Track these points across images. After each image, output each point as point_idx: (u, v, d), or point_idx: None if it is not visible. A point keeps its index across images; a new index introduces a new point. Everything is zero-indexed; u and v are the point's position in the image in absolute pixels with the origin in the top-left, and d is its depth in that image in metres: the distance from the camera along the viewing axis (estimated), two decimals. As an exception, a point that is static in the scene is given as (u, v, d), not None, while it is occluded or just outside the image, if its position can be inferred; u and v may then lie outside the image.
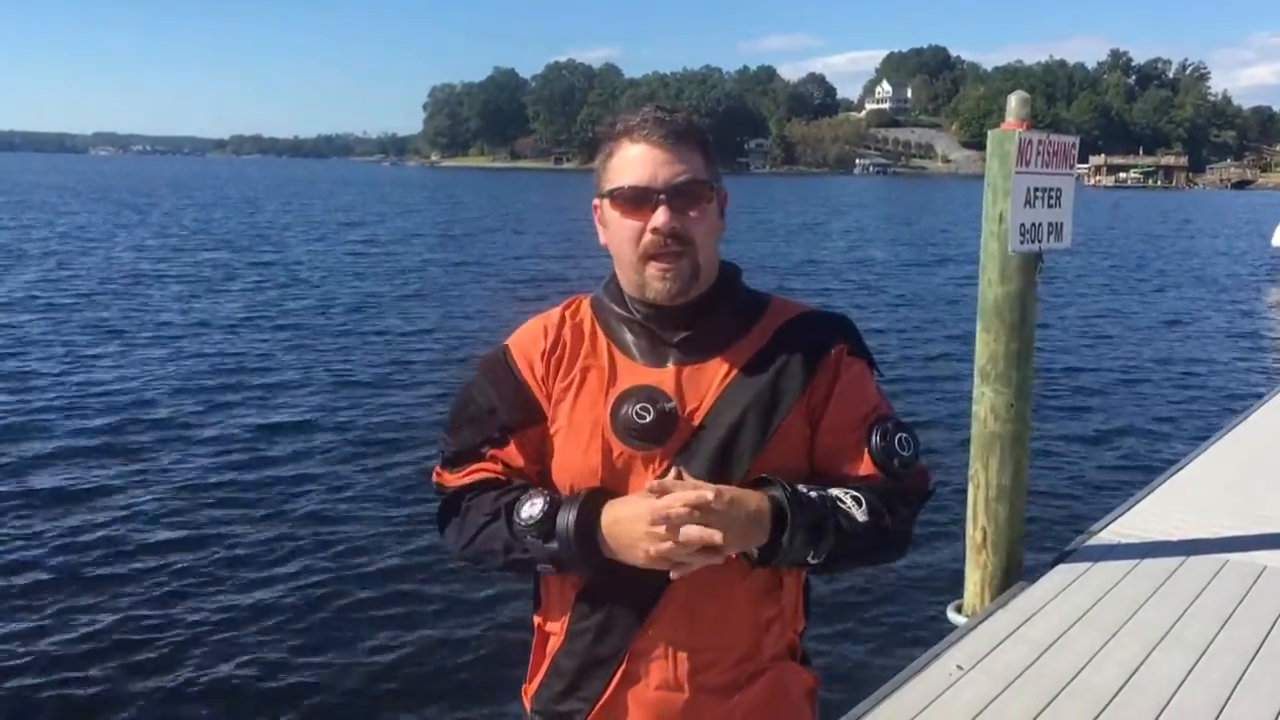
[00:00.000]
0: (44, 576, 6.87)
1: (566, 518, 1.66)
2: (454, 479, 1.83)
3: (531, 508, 1.70)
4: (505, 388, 1.80)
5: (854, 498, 1.68)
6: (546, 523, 1.68)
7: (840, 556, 1.68)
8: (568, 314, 1.85)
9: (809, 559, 1.66)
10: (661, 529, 1.56)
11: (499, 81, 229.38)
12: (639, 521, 1.59)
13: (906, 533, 1.76)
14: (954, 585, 5.56)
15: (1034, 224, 4.93)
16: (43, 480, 8.76)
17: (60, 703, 5.40)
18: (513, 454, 1.79)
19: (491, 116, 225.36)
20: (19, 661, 5.76)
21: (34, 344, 14.67)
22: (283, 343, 15.33)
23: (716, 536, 1.55)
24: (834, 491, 1.69)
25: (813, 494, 1.66)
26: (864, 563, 1.79)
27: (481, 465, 1.80)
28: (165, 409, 11.28)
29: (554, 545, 1.67)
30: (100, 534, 7.61)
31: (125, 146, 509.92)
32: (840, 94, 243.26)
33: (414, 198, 73.06)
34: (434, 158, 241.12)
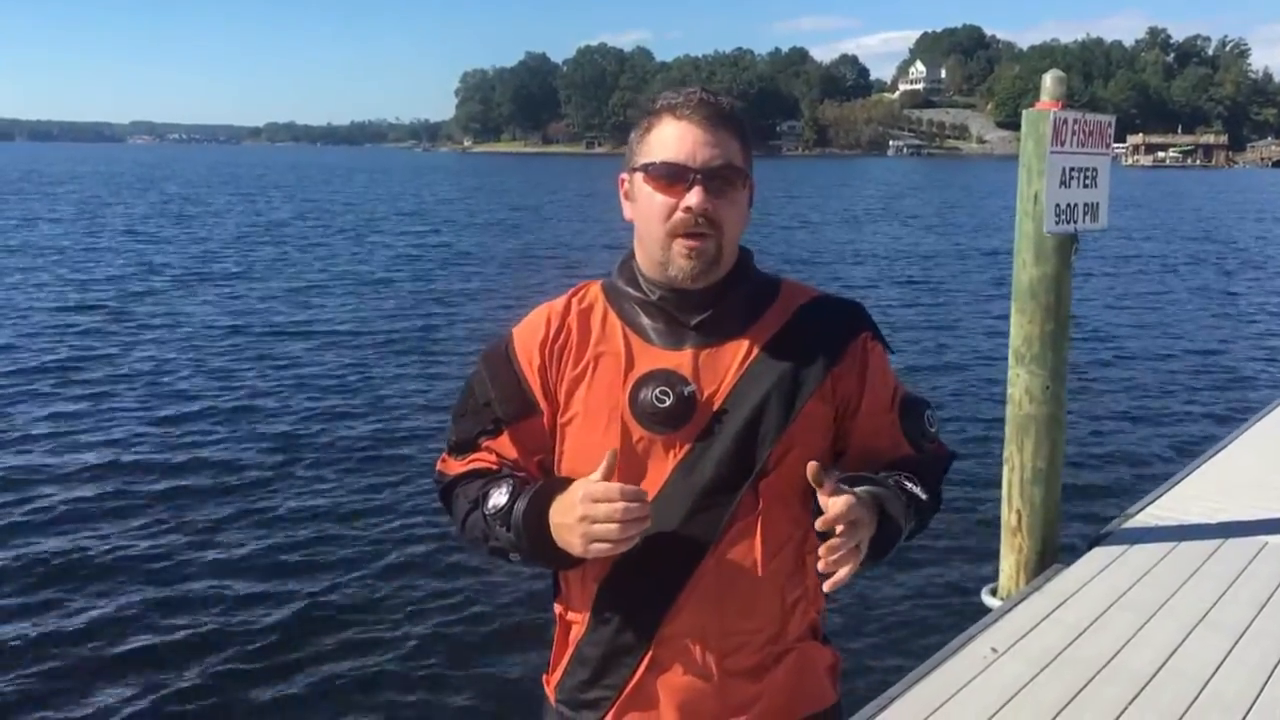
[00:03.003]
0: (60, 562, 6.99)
1: (520, 507, 1.67)
2: (454, 467, 1.85)
3: (498, 496, 1.71)
4: (501, 380, 1.80)
5: (908, 478, 1.73)
6: (508, 512, 1.69)
7: (913, 532, 1.73)
8: (574, 301, 1.83)
9: (900, 539, 1.69)
10: (590, 514, 1.56)
11: (530, 66, 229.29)
12: (570, 512, 1.59)
13: (939, 499, 1.83)
14: (989, 568, 5.55)
15: (1069, 204, 4.90)
16: (54, 476, 8.89)
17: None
18: (505, 445, 1.80)
19: (523, 101, 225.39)
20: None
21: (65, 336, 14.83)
22: (353, 342, 15.12)
23: (862, 546, 1.58)
24: (894, 476, 1.74)
25: (890, 482, 1.71)
26: (918, 532, 1.81)
27: (478, 455, 1.82)
28: (230, 396, 11.46)
29: (513, 535, 1.68)
30: (129, 518, 7.76)
31: (162, 135, 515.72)
32: (873, 75, 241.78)
33: (460, 184, 72.74)
34: (466, 143, 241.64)
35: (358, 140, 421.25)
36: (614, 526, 1.55)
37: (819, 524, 1.55)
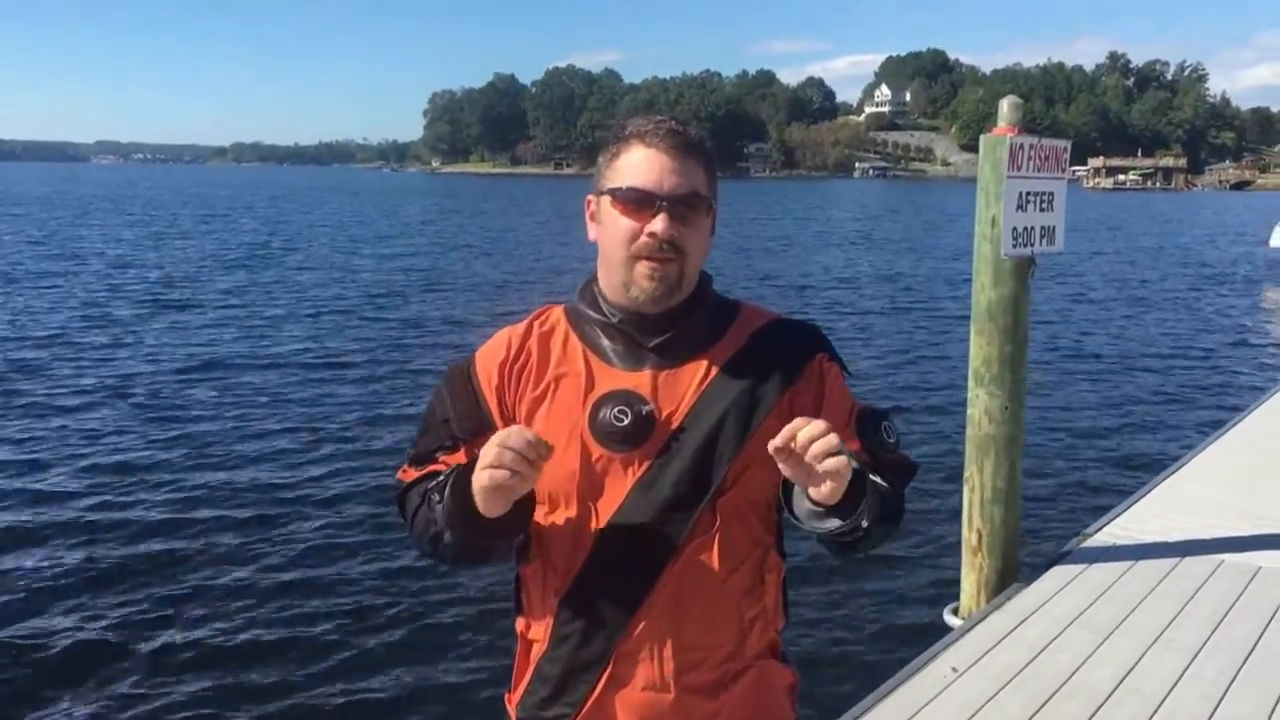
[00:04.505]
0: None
1: (454, 474, 1.71)
2: (411, 476, 1.89)
3: (441, 479, 1.76)
4: (460, 399, 1.84)
5: (868, 466, 1.72)
6: (444, 485, 1.73)
7: (875, 520, 1.68)
8: (536, 324, 1.87)
9: (862, 521, 1.65)
10: (489, 443, 1.59)
11: (499, 87, 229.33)
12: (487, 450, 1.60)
13: (903, 506, 1.82)
14: (950, 587, 5.60)
15: (1026, 228, 4.97)
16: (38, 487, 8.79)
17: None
18: (461, 461, 1.82)
19: (491, 122, 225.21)
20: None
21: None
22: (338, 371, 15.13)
23: (836, 444, 1.53)
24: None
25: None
26: (885, 530, 1.75)
27: (434, 467, 1.85)
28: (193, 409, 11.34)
29: (443, 505, 1.71)
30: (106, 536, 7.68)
31: (127, 155, 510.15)
32: (840, 97, 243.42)
33: (429, 206, 72.32)
34: (435, 164, 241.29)
35: (325, 160, 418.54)
36: (492, 451, 1.56)
37: (773, 444, 1.54)
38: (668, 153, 1.72)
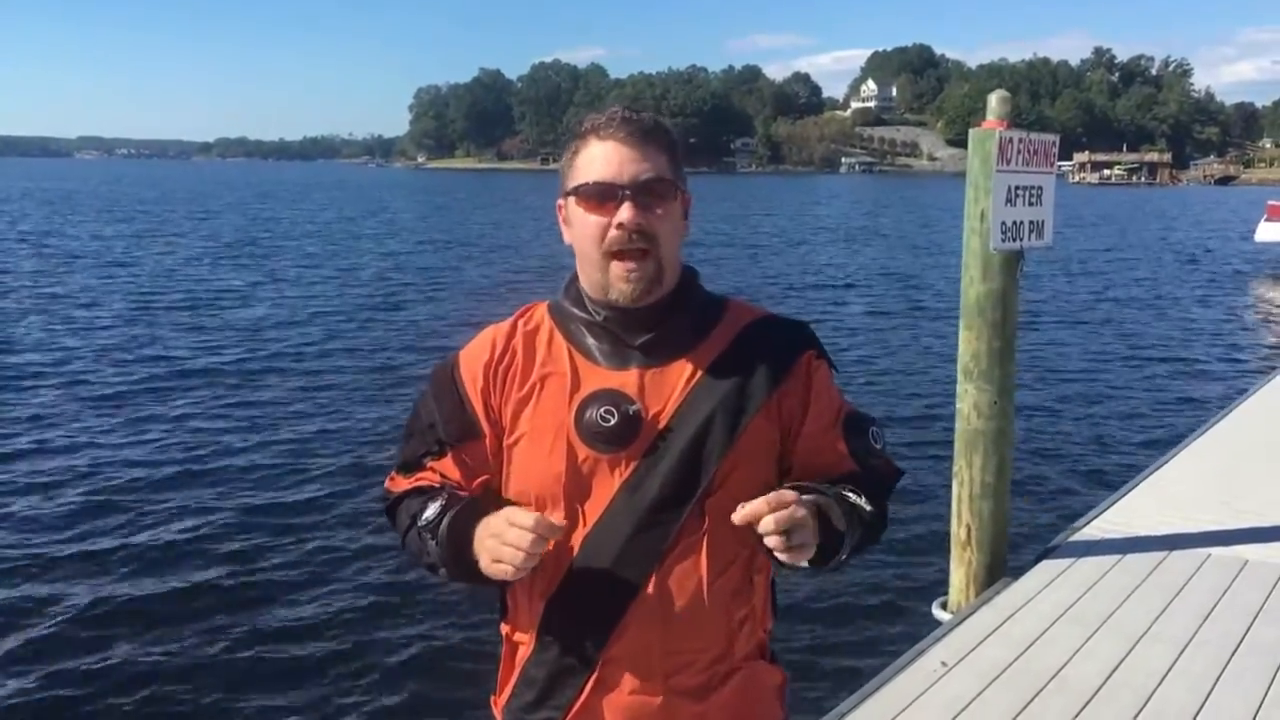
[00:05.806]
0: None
1: (446, 520, 1.71)
2: (400, 485, 1.87)
3: (431, 511, 1.75)
4: (446, 403, 1.82)
5: (850, 489, 1.73)
6: (437, 524, 1.72)
7: (857, 547, 1.72)
8: (520, 323, 1.84)
9: (842, 554, 1.69)
10: (501, 534, 1.61)
11: (484, 82, 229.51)
12: (490, 528, 1.63)
13: (885, 518, 1.82)
14: (939, 582, 5.59)
15: (1015, 222, 4.97)
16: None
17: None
18: (449, 466, 1.82)
19: (477, 118, 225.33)
20: None
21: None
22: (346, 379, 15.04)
23: (805, 534, 1.57)
24: (835, 488, 1.73)
25: (830, 491, 1.71)
26: (863, 551, 1.80)
27: (424, 474, 1.84)
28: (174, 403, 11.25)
29: (437, 547, 1.72)
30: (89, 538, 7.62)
31: (110, 150, 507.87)
32: (826, 93, 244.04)
33: (416, 201, 72.02)
34: (420, 159, 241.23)
35: (310, 156, 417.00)
36: (518, 553, 1.58)
37: (736, 518, 1.57)
38: (624, 141, 1.69)
